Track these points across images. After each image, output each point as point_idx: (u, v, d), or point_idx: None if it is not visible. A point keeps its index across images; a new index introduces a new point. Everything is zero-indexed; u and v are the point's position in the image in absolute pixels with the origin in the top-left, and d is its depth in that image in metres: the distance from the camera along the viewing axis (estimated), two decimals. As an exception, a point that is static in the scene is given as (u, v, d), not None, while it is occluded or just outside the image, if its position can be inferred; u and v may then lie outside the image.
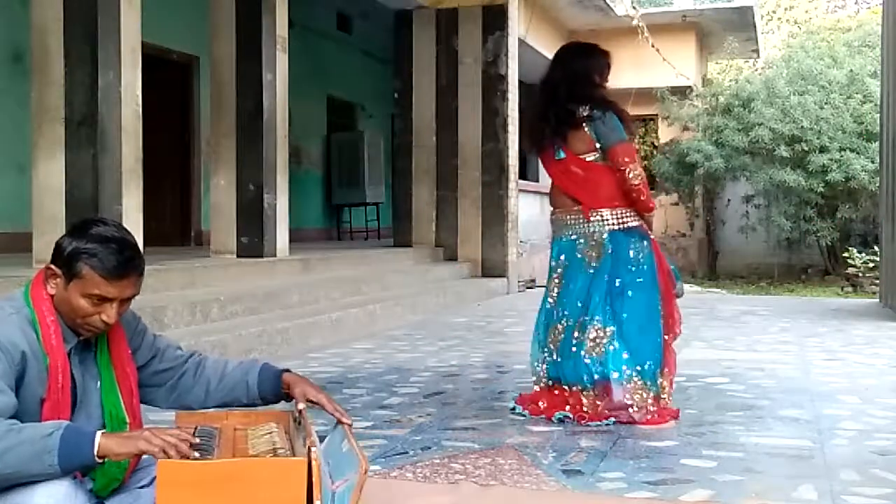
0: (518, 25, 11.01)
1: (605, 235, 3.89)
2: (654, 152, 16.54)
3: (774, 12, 26.43)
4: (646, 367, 3.79)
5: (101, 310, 1.99)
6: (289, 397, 2.25)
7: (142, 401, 2.22)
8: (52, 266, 2.01)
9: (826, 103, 13.79)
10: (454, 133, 10.35)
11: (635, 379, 3.76)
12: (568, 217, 4.01)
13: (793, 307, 9.10)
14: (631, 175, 3.84)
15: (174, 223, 10.09)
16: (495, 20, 10.29)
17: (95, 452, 1.79)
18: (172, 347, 2.31)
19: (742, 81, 15.89)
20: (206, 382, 2.28)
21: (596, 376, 3.77)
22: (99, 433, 1.81)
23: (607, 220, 3.89)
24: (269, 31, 7.31)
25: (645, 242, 3.91)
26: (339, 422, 2.12)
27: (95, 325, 2.01)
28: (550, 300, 4.01)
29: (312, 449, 1.81)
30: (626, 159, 3.84)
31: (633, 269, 3.86)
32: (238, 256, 7.21)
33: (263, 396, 2.28)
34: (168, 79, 9.72)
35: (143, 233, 5.68)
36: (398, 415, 3.95)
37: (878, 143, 10.87)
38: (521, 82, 10.96)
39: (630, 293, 3.84)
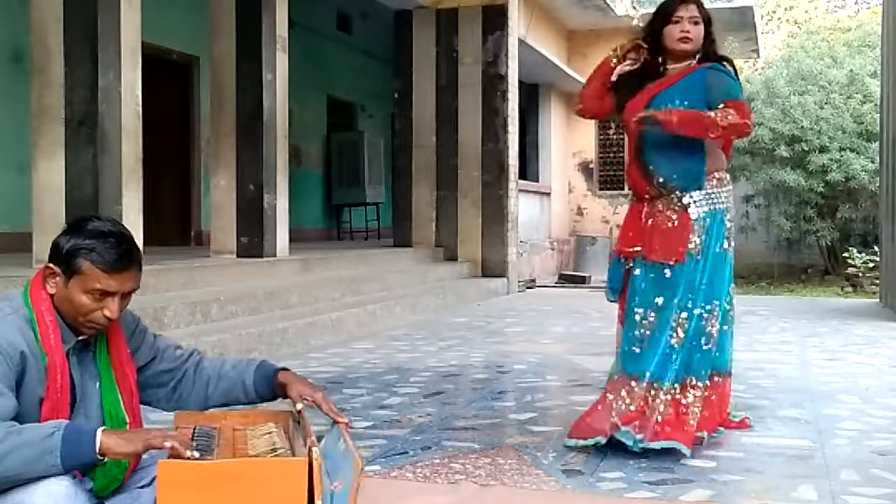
0: (518, 25, 11.01)
1: None
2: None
3: (774, 12, 26.43)
4: None
5: (103, 305, 1.99)
6: (285, 396, 2.26)
7: (143, 402, 2.21)
8: (51, 265, 2.00)
9: (826, 103, 13.78)
10: (454, 133, 10.35)
11: None
12: None
13: (793, 307, 9.10)
14: None
15: (174, 223, 10.09)
16: (495, 20, 10.30)
17: (97, 450, 1.79)
18: (172, 347, 2.31)
19: (742, 81, 15.84)
20: (206, 383, 2.28)
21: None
22: (100, 431, 1.81)
23: None
24: (269, 31, 7.31)
25: None
26: (336, 422, 2.12)
27: (98, 322, 2.01)
28: None
29: (313, 449, 1.81)
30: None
31: None
32: (238, 256, 7.21)
33: (261, 395, 2.29)
34: (168, 79, 9.72)
35: (143, 233, 5.68)
36: (398, 415, 3.95)
37: (878, 143, 10.87)
38: (521, 82, 10.96)
39: None
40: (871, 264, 12.80)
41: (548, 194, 15.35)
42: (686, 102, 3.44)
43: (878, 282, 10.67)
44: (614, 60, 3.59)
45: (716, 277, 3.45)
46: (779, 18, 26.49)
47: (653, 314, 3.42)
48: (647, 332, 3.42)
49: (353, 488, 1.79)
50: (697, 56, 3.56)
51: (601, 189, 16.92)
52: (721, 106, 3.38)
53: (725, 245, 3.50)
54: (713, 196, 3.49)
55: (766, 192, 14.74)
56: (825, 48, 15.27)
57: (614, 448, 3.31)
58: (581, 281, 13.60)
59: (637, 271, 3.50)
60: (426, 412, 4.00)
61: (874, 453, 3.33)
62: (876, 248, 11.58)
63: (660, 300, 3.41)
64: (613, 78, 3.62)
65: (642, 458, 3.22)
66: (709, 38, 3.58)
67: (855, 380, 4.89)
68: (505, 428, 3.74)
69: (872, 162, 12.71)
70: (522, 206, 11.65)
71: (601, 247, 15.43)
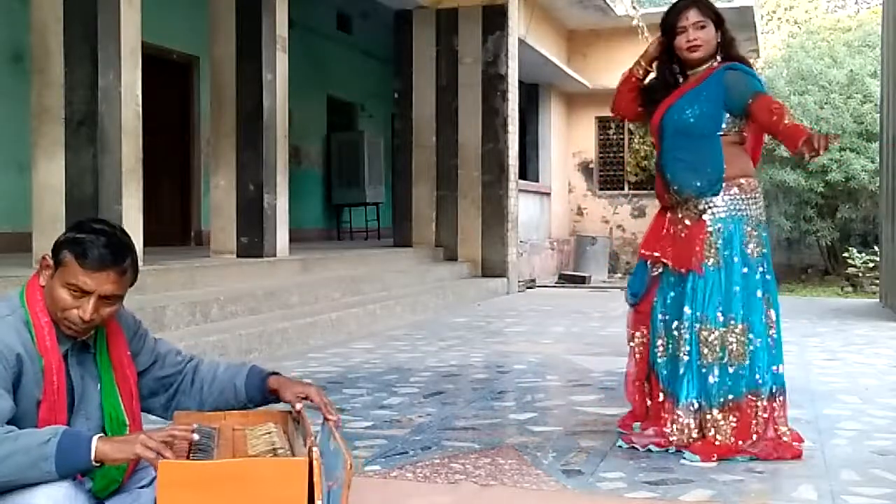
0: (518, 25, 11.01)
1: None
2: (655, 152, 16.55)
3: (774, 12, 26.41)
4: None
5: (79, 304, 1.96)
6: (278, 400, 2.26)
7: (142, 409, 2.21)
8: (47, 256, 2.01)
9: (826, 103, 13.78)
10: (454, 133, 10.35)
11: None
12: None
13: (793, 307, 9.09)
14: None
15: (174, 223, 10.09)
16: (495, 20, 10.30)
17: (92, 457, 1.78)
18: (173, 352, 2.30)
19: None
20: (201, 387, 2.28)
21: None
22: (96, 437, 1.80)
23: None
24: (269, 31, 7.31)
25: None
26: (325, 418, 2.13)
27: (73, 321, 1.97)
28: None
29: (314, 449, 1.81)
30: None
31: None
32: (238, 256, 7.21)
33: (252, 399, 2.28)
34: (168, 79, 9.71)
35: (143, 233, 5.69)
36: (398, 415, 3.95)
37: (878, 143, 10.87)
38: (521, 82, 10.95)
39: None
40: (871, 264, 12.80)
41: (548, 194, 15.35)
42: (698, 111, 3.35)
43: (878, 282, 10.67)
44: (640, 73, 3.54)
45: (744, 289, 3.32)
46: (779, 18, 26.47)
47: (677, 324, 3.35)
48: (677, 345, 3.35)
49: (345, 486, 1.79)
50: (719, 57, 3.42)
51: (601, 189, 16.92)
52: (749, 101, 3.26)
53: (750, 252, 3.32)
54: (735, 203, 3.33)
55: (765, 191, 14.68)
56: (825, 48, 15.26)
57: (614, 448, 3.33)
58: (581, 281, 13.60)
59: (663, 277, 3.43)
60: (426, 412, 4.00)
61: (874, 453, 3.33)
62: (876, 248, 11.59)
63: (683, 310, 3.33)
64: (645, 83, 3.57)
65: (642, 458, 3.22)
66: (724, 35, 3.43)
67: (855, 380, 4.89)
68: (505, 428, 3.74)
69: (872, 162, 12.71)
70: (522, 206, 11.65)
71: (601, 247, 15.43)
